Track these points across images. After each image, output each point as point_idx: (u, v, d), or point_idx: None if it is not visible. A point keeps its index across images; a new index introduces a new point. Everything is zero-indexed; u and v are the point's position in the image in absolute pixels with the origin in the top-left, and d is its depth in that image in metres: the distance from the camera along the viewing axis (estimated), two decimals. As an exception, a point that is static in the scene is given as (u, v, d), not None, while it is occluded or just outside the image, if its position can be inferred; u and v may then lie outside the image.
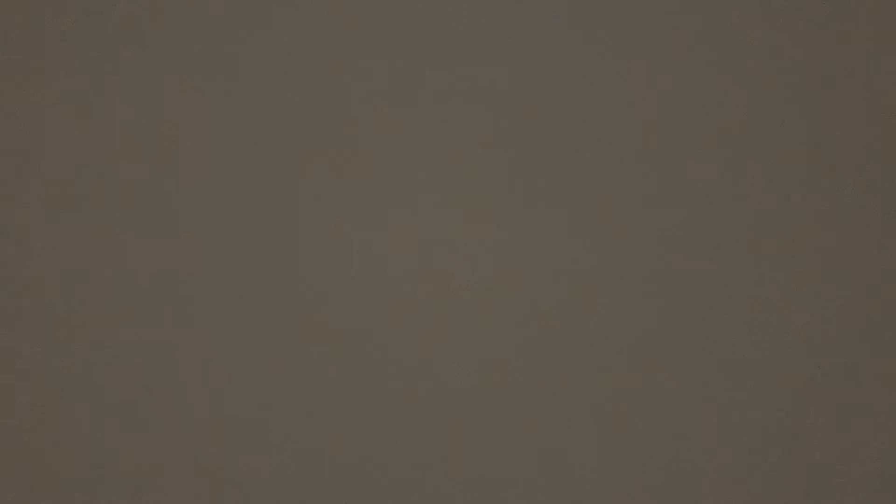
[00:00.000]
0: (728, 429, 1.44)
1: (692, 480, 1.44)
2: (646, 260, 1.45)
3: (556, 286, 1.45)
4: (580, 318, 1.45)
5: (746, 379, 1.44)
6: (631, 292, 1.45)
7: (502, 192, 1.46)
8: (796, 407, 1.43)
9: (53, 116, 1.50)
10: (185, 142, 1.49)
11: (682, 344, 1.44)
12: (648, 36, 1.46)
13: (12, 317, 1.49)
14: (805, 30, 1.45)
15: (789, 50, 1.45)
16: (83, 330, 1.49)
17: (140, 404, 1.48)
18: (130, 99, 1.50)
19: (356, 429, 1.47)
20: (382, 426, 1.46)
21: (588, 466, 1.44)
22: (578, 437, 1.45)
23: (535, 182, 1.46)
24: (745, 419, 1.44)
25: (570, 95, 1.46)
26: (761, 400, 1.44)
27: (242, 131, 1.49)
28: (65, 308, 1.49)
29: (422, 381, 1.46)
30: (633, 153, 1.45)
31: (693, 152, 1.45)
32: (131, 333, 1.48)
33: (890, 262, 1.44)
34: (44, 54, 1.50)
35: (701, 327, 1.44)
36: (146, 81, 1.50)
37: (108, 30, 1.50)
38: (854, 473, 1.43)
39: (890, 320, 1.43)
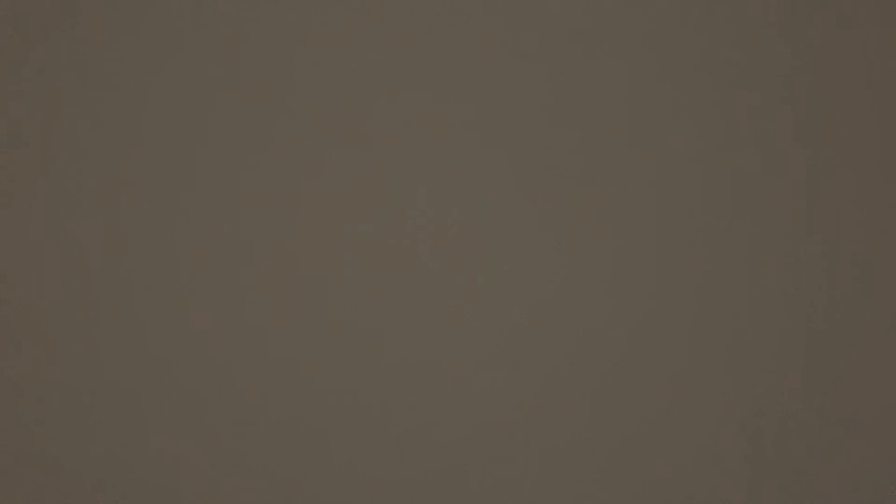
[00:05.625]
0: (727, 429, 1.44)
1: (690, 480, 1.44)
2: (643, 260, 1.45)
3: (554, 286, 1.45)
4: (579, 317, 1.45)
5: (746, 378, 1.44)
6: (628, 292, 1.45)
7: (501, 192, 1.46)
8: (793, 406, 1.44)
9: (56, 117, 1.50)
10: (188, 143, 1.49)
11: (680, 344, 1.44)
12: (645, 37, 1.46)
13: (14, 317, 1.49)
14: (804, 31, 1.45)
15: (788, 52, 1.45)
16: (86, 330, 1.48)
17: (142, 404, 1.48)
18: (133, 100, 1.49)
19: (357, 428, 1.47)
20: (381, 424, 1.46)
21: (587, 466, 1.45)
22: (577, 436, 1.45)
23: (535, 182, 1.46)
24: (746, 420, 1.44)
25: (569, 96, 1.46)
26: (760, 400, 1.44)
27: (245, 133, 1.49)
28: (67, 308, 1.48)
29: (419, 381, 1.46)
30: (629, 154, 1.45)
31: (690, 151, 1.45)
32: (134, 333, 1.48)
33: (888, 261, 1.44)
34: (47, 55, 1.50)
35: (699, 326, 1.44)
36: (148, 83, 1.49)
37: (111, 30, 1.50)
38: (852, 472, 1.43)
39: (888, 318, 1.43)
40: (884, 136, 1.44)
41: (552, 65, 1.46)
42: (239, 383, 1.47)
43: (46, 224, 1.49)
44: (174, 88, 1.49)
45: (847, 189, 1.44)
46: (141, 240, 1.48)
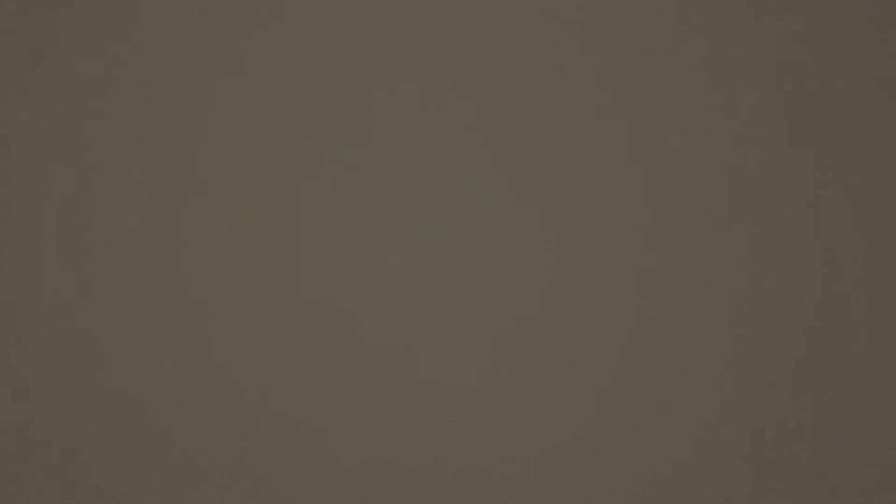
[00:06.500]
0: (728, 429, 1.44)
1: (690, 481, 1.44)
2: (643, 261, 1.45)
3: (554, 286, 1.45)
4: (579, 318, 1.45)
5: (746, 379, 1.44)
6: (628, 293, 1.45)
7: (502, 193, 1.46)
8: (793, 406, 1.43)
9: (57, 118, 1.50)
10: (189, 143, 1.49)
11: (680, 344, 1.44)
12: (645, 37, 1.46)
13: (14, 317, 1.49)
14: (805, 30, 1.45)
15: (787, 52, 1.45)
16: (86, 330, 1.48)
17: (142, 404, 1.48)
18: (134, 100, 1.49)
19: (358, 429, 1.47)
20: (377, 426, 1.46)
21: (587, 466, 1.44)
22: (576, 436, 1.45)
23: (535, 184, 1.46)
24: (747, 421, 1.44)
25: (569, 98, 1.46)
26: (761, 400, 1.44)
27: (246, 134, 1.49)
28: (68, 308, 1.48)
29: (418, 382, 1.46)
30: (629, 156, 1.45)
31: (688, 152, 1.45)
32: (134, 333, 1.48)
33: (888, 262, 1.44)
34: (48, 56, 1.50)
35: (699, 326, 1.44)
36: (149, 83, 1.50)
37: (112, 31, 1.50)
38: (852, 473, 1.43)
39: (888, 319, 1.43)
40: (883, 137, 1.44)
41: (550, 66, 1.46)
42: (239, 383, 1.47)
43: (46, 224, 1.49)
44: (176, 89, 1.49)
45: (847, 190, 1.44)
46: (141, 240, 1.49)
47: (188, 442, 1.47)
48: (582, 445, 1.44)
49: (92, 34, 1.50)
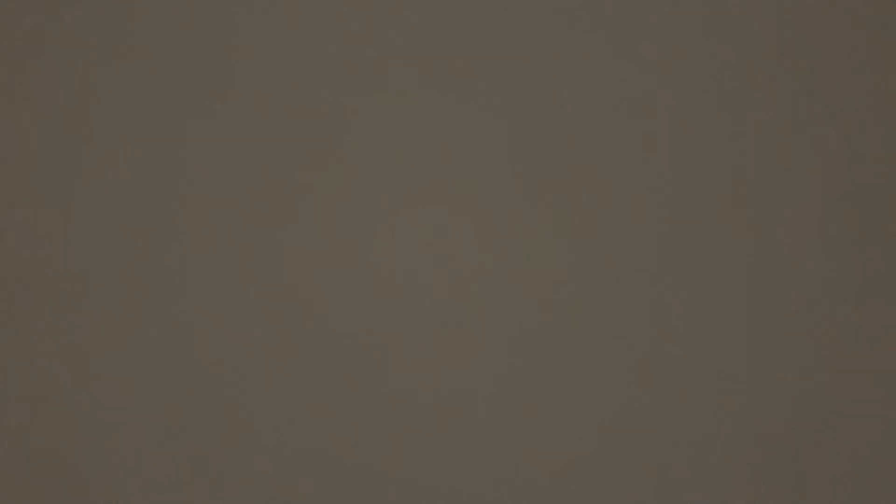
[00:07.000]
0: (730, 431, 1.44)
1: (693, 483, 1.44)
2: (646, 261, 1.45)
3: (556, 286, 1.45)
4: (582, 319, 1.45)
5: (749, 380, 1.44)
6: (632, 294, 1.45)
7: (503, 194, 1.46)
8: (796, 410, 1.44)
9: (54, 118, 1.50)
10: (185, 143, 1.49)
11: (684, 346, 1.44)
12: (651, 36, 1.46)
13: (12, 317, 1.49)
14: (808, 29, 1.45)
15: (794, 50, 1.45)
16: (82, 330, 1.49)
17: (138, 405, 1.48)
18: (129, 99, 1.50)
19: (353, 430, 1.47)
20: (377, 428, 1.46)
21: (590, 469, 1.45)
22: (579, 440, 1.45)
23: (536, 183, 1.46)
24: (748, 422, 1.44)
25: (568, 96, 1.46)
26: (763, 402, 1.44)
27: (243, 134, 1.49)
28: (64, 309, 1.49)
29: (420, 383, 1.46)
30: (632, 153, 1.45)
31: (695, 152, 1.45)
32: (130, 334, 1.48)
33: (889, 263, 1.44)
34: (46, 57, 1.50)
35: (703, 329, 1.44)
36: (144, 83, 1.50)
37: (108, 31, 1.50)
38: (854, 474, 1.43)
39: (889, 320, 1.43)
40: (887, 137, 1.44)
41: (554, 63, 1.46)
42: (234, 387, 1.47)
43: (42, 224, 1.49)
44: (169, 89, 1.49)
45: (850, 191, 1.44)
46: (134, 240, 1.49)
47: (182, 441, 1.47)
48: (583, 448, 1.44)
49: (87, 31, 1.50)
